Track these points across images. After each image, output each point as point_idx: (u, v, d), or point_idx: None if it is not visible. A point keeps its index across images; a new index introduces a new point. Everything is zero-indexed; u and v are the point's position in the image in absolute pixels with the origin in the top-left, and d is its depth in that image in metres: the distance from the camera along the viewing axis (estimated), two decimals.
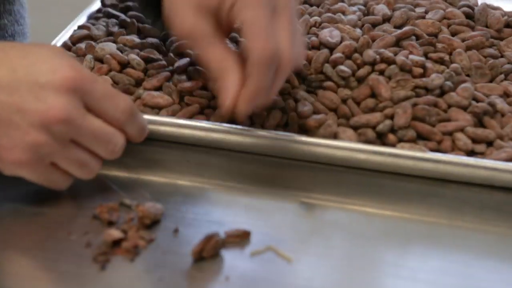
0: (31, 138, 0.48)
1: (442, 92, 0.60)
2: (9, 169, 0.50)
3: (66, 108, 0.48)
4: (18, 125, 0.48)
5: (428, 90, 0.60)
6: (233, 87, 0.53)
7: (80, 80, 0.49)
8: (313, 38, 0.63)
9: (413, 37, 0.65)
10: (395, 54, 0.62)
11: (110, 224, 0.50)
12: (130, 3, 0.71)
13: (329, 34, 0.63)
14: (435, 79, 0.60)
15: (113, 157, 0.52)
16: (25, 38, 0.76)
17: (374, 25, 0.67)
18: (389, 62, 0.61)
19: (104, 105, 0.50)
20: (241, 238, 0.50)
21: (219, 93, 0.55)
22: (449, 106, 0.59)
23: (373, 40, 0.64)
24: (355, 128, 0.58)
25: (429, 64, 0.62)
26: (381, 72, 0.60)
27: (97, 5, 0.73)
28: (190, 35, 0.55)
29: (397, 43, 0.64)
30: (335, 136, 0.57)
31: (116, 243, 0.48)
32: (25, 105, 0.48)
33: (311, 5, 0.71)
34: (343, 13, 0.69)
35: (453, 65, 0.62)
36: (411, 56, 0.61)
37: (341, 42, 0.63)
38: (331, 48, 0.62)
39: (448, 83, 0.60)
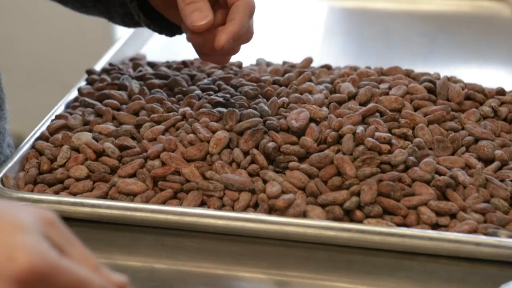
0: None
1: (407, 167, 0.62)
2: None
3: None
4: None
5: (392, 166, 0.62)
6: (208, 16, 0.62)
7: (38, 274, 0.40)
8: (282, 120, 0.66)
9: (377, 114, 0.68)
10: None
11: None
12: (106, 91, 0.74)
13: (296, 116, 0.66)
14: (398, 155, 0.62)
15: None
16: (5, 121, 0.78)
17: (340, 103, 0.70)
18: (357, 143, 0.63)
19: None
20: None
21: (188, 18, 0.62)
22: (413, 180, 0.61)
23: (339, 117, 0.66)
24: (323, 206, 0.60)
25: (393, 140, 0.64)
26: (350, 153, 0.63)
27: (74, 93, 0.76)
28: None
29: (363, 120, 0.67)
30: (304, 215, 0.59)
31: None
32: None
33: (280, 85, 0.74)
34: (310, 92, 0.72)
35: (416, 139, 0.65)
36: (377, 133, 0.64)
37: (308, 123, 0.65)
38: (295, 132, 0.65)
39: (412, 158, 0.63)
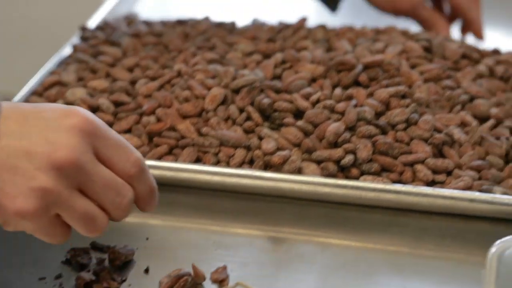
0: (38, 183, 0.45)
1: (407, 125, 0.62)
2: (13, 222, 0.46)
3: (76, 149, 0.45)
4: (24, 170, 0.45)
5: (392, 126, 0.62)
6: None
7: (93, 125, 0.46)
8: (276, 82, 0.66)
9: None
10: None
11: (82, 266, 0.51)
12: (100, 48, 0.73)
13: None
14: (398, 114, 0.62)
15: (120, 213, 0.48)
16: None
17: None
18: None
19: (115, 154, 0.47)
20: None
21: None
22: (412, 138, 0.61)
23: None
24: (318, 162, 0.60)
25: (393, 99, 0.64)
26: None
27: (66, 51, 0.75)
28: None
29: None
30: (299, 171, 0.59)
31: (88, 285, 0.50)
32: (34, 148, 0.45)
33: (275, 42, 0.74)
34: (306, 49, 0.71)
35: (416, 96, 0.64)
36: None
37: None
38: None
39: (415, 115, 0.62)
